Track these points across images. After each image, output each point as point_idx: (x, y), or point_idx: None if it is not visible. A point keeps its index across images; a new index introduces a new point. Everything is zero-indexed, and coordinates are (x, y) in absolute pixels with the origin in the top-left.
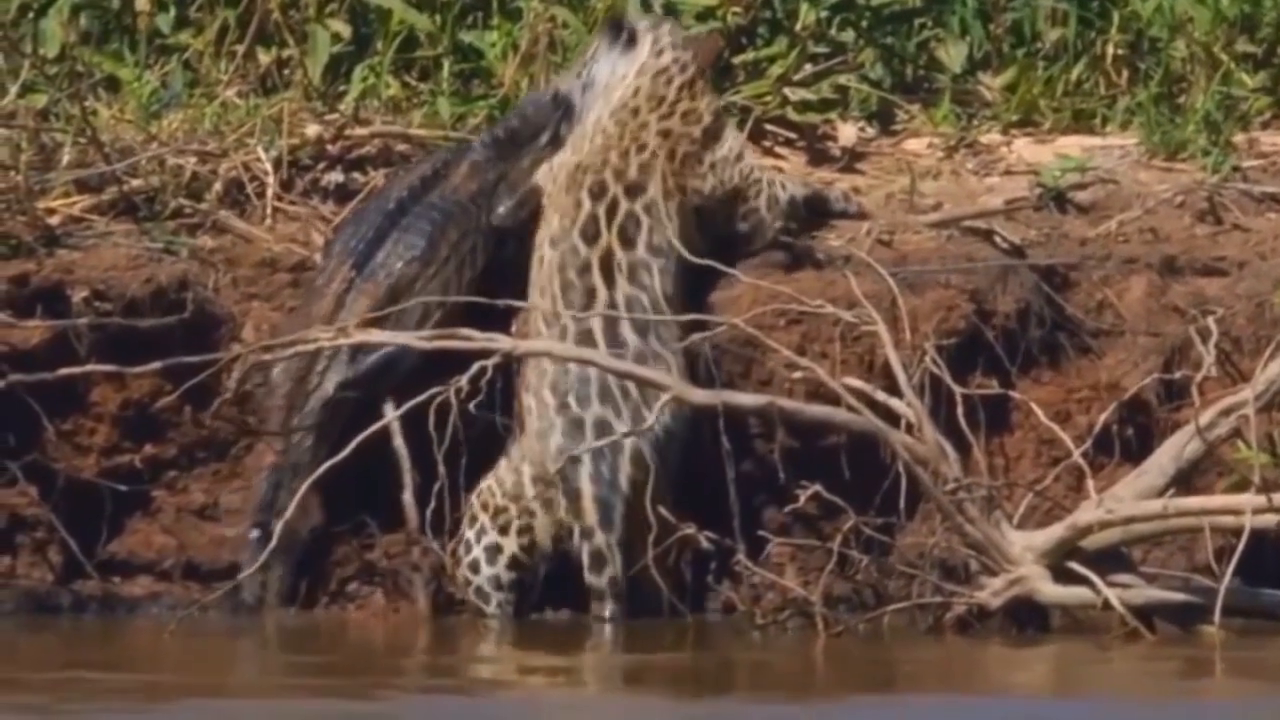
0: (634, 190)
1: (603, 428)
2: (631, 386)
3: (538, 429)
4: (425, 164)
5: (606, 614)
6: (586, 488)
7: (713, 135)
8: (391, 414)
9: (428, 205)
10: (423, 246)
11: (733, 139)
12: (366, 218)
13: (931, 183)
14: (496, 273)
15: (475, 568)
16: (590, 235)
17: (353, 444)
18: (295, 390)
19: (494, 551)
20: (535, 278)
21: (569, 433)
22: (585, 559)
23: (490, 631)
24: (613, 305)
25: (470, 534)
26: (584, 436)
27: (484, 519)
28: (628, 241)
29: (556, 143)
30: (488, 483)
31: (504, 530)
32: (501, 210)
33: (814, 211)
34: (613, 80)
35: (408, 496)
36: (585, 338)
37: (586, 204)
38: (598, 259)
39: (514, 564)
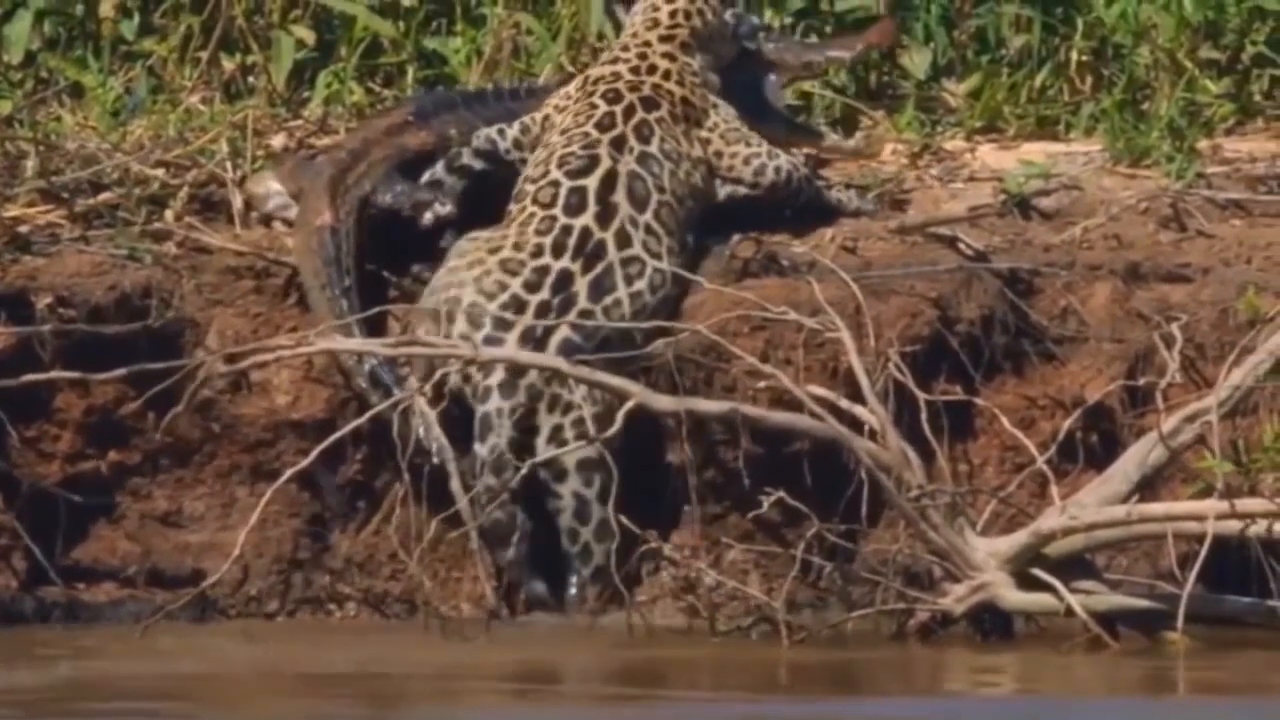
0: (649, 104)
1: None
2: None
3: None
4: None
5: None
6: None
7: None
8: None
9: (502, 101)
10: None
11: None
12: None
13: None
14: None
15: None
16: (605, 125)
17: (314, 453)
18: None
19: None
20: (531, 162)
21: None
22: None
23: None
24: (612, 175)
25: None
26: None
27: None
28: (644, 138)
29: None
30: None
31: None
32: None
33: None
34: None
35: (455, 485)
36: (578, 196)
37: (602, 105)
38: (609, 139)
39: None
